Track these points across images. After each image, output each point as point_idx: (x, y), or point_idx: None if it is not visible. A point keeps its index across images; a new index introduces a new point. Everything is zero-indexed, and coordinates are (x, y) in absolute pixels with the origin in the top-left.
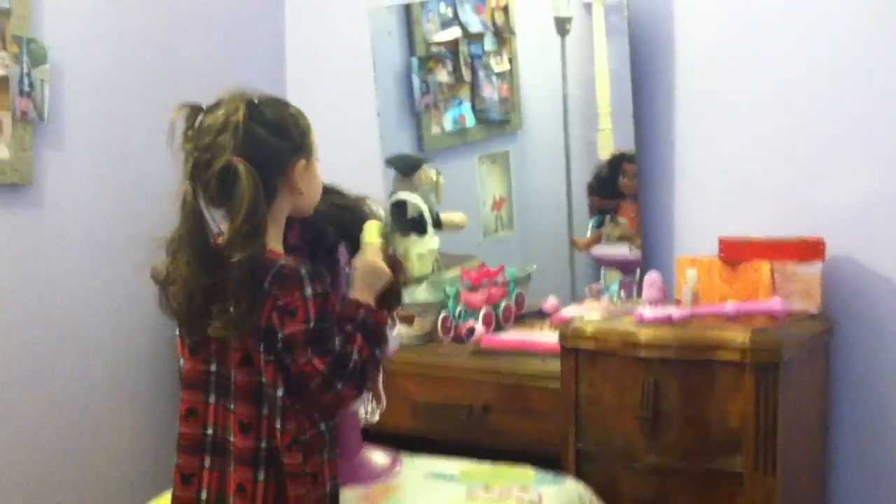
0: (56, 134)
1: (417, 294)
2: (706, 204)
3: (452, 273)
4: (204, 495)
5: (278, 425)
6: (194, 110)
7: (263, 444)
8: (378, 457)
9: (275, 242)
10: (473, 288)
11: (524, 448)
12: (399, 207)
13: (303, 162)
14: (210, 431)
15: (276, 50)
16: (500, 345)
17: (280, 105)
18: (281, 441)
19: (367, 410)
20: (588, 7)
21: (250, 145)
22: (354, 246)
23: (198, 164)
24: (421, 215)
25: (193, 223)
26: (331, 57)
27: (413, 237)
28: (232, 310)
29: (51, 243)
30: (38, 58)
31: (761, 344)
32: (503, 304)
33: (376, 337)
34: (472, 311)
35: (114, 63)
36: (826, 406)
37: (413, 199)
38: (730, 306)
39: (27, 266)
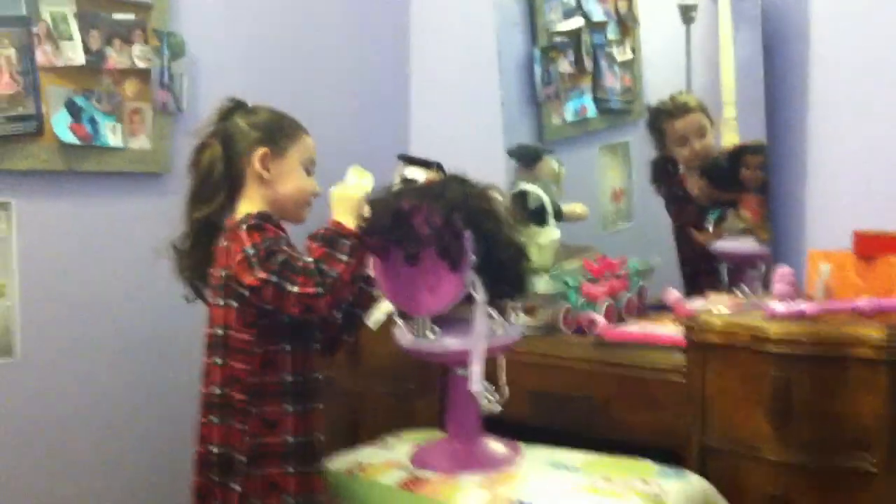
0: (193, 125)
1: (538, 285)
2: (838, 197)
3: (572, 264)
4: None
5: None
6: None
7: (217, 391)
8: (498, 446)
9: None
10: (595, 279)
11: (643, 441)
12: (520, 198)
13: (264, 150)
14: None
15: (400, 42)
16: (623, 337)
17: (275, 112)
18: (229, 379)
19: (489, 399)
20: None
21: (226, 131)
22: (480, 233)
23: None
24: (542, 206)
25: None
26: (456, 48)
27: (533, 228)
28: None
29: None
30: (177, 51)
31: None
32: (625, 297)
33: (330, 240)
34: (593, 303)
35: (246, 56)
36: None
37: (534, 189)
38: (864, 302)
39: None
